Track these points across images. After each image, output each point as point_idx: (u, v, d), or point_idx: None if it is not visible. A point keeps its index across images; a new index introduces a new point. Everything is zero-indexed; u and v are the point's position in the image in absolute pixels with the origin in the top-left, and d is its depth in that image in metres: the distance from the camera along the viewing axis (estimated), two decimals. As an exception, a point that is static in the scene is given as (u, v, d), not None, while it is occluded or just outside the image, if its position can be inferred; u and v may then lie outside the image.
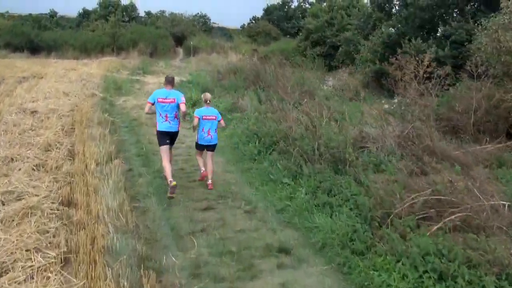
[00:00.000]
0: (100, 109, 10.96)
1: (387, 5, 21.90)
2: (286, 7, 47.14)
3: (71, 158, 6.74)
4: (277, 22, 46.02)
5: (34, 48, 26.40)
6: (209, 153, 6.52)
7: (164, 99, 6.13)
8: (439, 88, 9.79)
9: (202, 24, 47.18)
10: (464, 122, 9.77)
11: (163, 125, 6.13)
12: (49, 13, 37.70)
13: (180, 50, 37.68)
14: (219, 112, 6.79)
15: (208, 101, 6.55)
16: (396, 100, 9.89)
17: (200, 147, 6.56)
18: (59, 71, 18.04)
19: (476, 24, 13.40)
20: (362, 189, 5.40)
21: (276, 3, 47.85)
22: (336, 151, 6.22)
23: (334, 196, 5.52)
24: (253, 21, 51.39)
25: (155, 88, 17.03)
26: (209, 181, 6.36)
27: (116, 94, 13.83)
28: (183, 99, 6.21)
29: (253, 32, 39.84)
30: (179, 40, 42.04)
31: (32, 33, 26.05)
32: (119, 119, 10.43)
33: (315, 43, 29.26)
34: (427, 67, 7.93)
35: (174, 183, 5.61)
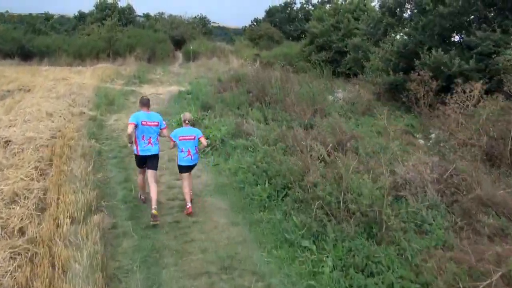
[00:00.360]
0: (87, 133, 9.73)
1: (398, 9, 20.73)
2: (289, 9, 45.86)
3: (41, 213, 5.49)
4: (279, 24, 44.76)
5: (26, 54, 25.15)
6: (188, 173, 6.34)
7: (147, 121, 6.09)
8: (464, 107, 8.57)
9: (202, 26, 45.90)
10: (500, 149, 8.52)
11: (145, 149, 6.11)
12: (44, 16, 36.43)
13: (180, 55, 36.44)
14: (200, 130, 6.62)
15: (187, 121, 6.36)
16: (433, 135, 8.55)
17: (182, 169, 6.29)
18: (48, 82, 16.80)
19: (504, 34, 12.22)
20: (410, 270, 4.16)
21: (278, 5, 46.61)
22: (370, 210, 4.97)
23: (373, 276, 4.28)
24: (255, 23, 50.15)
25: (151, 100, 15.85)
26: (188, 205, 6.12)
27: (107, 111, 12.58)
28: (164, 123, 6.38)
29: (254, 35, 38.58)
30: (179, 44, 40.81)
31: (24, 39, 24.80)
32: (107, 146, 9.19)
33: (320, 48, 28.01)
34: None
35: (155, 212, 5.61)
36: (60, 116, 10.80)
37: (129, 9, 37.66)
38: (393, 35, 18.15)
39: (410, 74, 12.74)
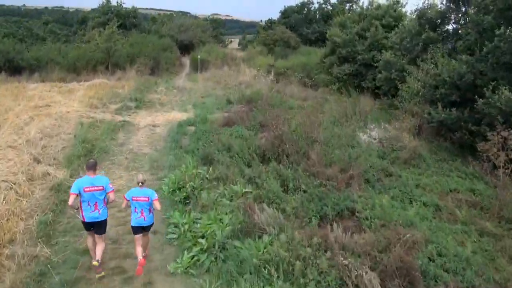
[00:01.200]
0: (36, 225, 7.01)
1: (439, 20, 17.49)
2: (305, 9, 42.52)
3: None
4: (295, 26, 41.51)
5: (15, 68, 22.70)
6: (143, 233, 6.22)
7: (91, 187, 5.86)
8: None
9: (214, 29, 42.92)
10: None
11: (91, 216, 5.90)
12: (43, 21, 33.99)
13: (187, 62, 33.60)
14: (154, 192, 6.27)
15: (140, 183, 6.15)
16: None
17: (135, 230, 6.13)
18: (25, 114, 14.20)
19: None
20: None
21: (294, 5, 43.29)
22: None
23: None
24: (269, 25, 46.99)
25: (142, 142, 13.08)
26: (140, 257, 5.92)
27: (82, 167, 9.84)
28: (111, 186, 6.08)
29: (268, 40, 35.47)
30: (187, 48, 38.06)
31: (13, 51, 22.33)
32: (60, 252, 6.44)
33: (343, 59, 24.82)
34: None
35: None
36: (11, 188, 8.10)
37: (134, 11, 34.93)
38: (437, 55, 14.98)
39: (479, 125, 9.63)
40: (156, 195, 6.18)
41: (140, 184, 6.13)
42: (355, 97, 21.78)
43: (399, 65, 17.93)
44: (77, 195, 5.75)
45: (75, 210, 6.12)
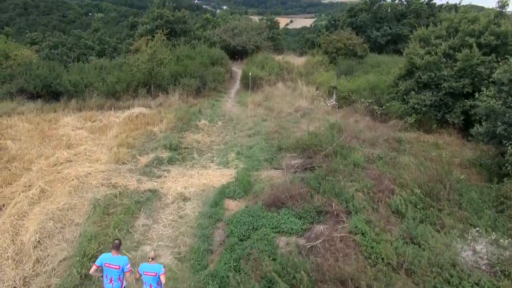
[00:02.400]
0: None
1: None
2: (375, 7, 37.20)
3: None
4: (363, 28, 36.59)
5: (54, 93, 21.30)
6: None
7: (110, 264, 6.86)
8: None
9: (270, 29, 39.21)
10: None
11: (107, 287, 6.90)
12: (94, 28, 32.66)
13: (238, 75, 30.57)
14: (162, 266, 7.04)
15: (151, 259, 7.01)
16: None
17: None
18: (42, 174, 12.35)
19: None
20: None
21: (362, 2, 38.07)
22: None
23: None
24: (332, 22, 42.29)
25: (164, 236, 10.39)
26: None
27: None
28: (128, 266, 6.94)
29: (331, 47, 31.20)
30: (240, 54, 35.05)
31: (50, 76, 20.88)
32: None
33: (424, 85, 20.32)
34: None
35: None
36: None
37: (184, 16, 32.40)
38: None
39: None
40: (164, 269, 7.01)
41: (150, 259, 7.05)
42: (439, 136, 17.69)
43: (508, 117, 13.47)
44: (99, 267, 6.88)
45: (99, 276, 7.15)
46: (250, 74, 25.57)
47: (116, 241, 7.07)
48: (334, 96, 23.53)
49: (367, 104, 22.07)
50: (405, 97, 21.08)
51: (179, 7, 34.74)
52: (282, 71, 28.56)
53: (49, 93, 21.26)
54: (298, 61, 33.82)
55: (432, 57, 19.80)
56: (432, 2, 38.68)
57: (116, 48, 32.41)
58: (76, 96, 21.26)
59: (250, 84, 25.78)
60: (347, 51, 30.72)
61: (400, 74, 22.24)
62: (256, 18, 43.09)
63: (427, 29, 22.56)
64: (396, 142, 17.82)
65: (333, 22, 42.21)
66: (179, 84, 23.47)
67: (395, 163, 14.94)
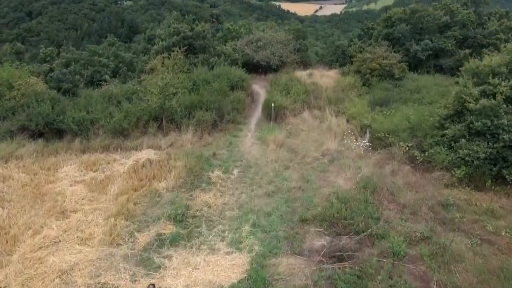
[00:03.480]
0: None
1: None
2: (415, 17, 33.40)
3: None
4: (401, 40, 33.05)
5: (56, 130, 19.62)
6: None
7: None
8: None
9: (297, 39, 36.17)
10: None
11: None
12: (109, 42, 30.77)
13: (260, 99, 27.98)
14: None
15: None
16: None
17: None
18: (28, 258, 10.56)
19: None
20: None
21: (400, 10, 34.33)
22: None
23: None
24: (365, 30, 38.74)
25: None
26: None
27: None
28: None
29: (364, 68, 28.08)
30: (264, 69, 32.46)
31: (52, 113, 19.16)
32: None
33: (477, 132, 17.21)
34: None
35: None
36: None
37: (204, 31, 30.00)
38: None
39: None
40: None
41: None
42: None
43: None
44: None
45: None
46: (272, 105, 23.00)
47: None
48: (367, 135, 20.69)
49: (407, 148, 19.14)
50: (453, 144, 18.03)
51: (199, 18, 32.37)
52: (309, 97, 25.76)
53: (52, 131, 19.55)
54: (327, 79, 30.87)
55: (489, 101, 16.66)
56: (479, 9, 34.54)
57: (132, 63, 30.55)
58: (81, 134, 19.44)
59: (272, 116, 23.24)
60: (383, 72, 27.52)
61: (447, 114, 19.11)
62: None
63: (481, 60, 19.25)
64: (442, 209, 15.05)
65: (366, 30, 38.65)
66: (194, 117, 21.22)
67: (444, 251, 12.26)
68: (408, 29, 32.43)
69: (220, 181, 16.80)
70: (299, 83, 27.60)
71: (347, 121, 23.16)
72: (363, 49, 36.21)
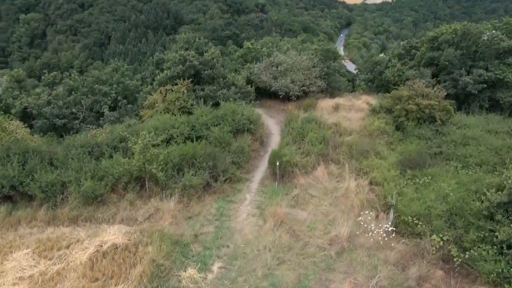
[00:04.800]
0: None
1: None
2: (470, 39, 27.77)
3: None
4: (448, 68, 27.69)
5: (24, 194, 17.27)
6: None
7: None
8: None
9: (325, 60, 31.64)
10: None
11: None
12: (113, 67, 28.19)
13: (270, 142, 24.18)
14: None
15: None
16: None
17: None
18: None
19: None
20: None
21: (448, 31, 28.75)
22: None
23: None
24: (408, 48, 33.43)
25: None
26: None
27: None
28: None
29: (399, 108, 23.35)
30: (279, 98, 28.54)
31: (19, 175, 16.80)
32: None
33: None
34: None
35: None
36: None
37: (213, 59, 26.51)
38: None
39: None
40: None
41: None
42: None
43: None
44: None
45: None
46: (277, 164, 19.20)
47: None
48: (391, 217, 16.41)
49: (441, 243, 14.74)
50: (505, 248, 13.46)
51: (244, 9, 28.85)
52: (327, 146, 21.65)
53: (20, 194, 17.21)
54: (355, 115, 26.43)
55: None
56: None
57: (137, 90, 27.88)
58: (48, 201, 16.93)
59: (278, 175, 19.47)
60: (421, 114, 22.73)
61: (501, 200, 14.44)
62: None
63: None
64: None
65: (408, 48, 33.32)
66: (181, 179, 18.04)
67: None
68: (457, 55, 27.00)
69: (191, 285, 13.50)
70: (317, 125, 23.46)
71: (370, 183, 18.92)
72: (402, 73, 31.20)
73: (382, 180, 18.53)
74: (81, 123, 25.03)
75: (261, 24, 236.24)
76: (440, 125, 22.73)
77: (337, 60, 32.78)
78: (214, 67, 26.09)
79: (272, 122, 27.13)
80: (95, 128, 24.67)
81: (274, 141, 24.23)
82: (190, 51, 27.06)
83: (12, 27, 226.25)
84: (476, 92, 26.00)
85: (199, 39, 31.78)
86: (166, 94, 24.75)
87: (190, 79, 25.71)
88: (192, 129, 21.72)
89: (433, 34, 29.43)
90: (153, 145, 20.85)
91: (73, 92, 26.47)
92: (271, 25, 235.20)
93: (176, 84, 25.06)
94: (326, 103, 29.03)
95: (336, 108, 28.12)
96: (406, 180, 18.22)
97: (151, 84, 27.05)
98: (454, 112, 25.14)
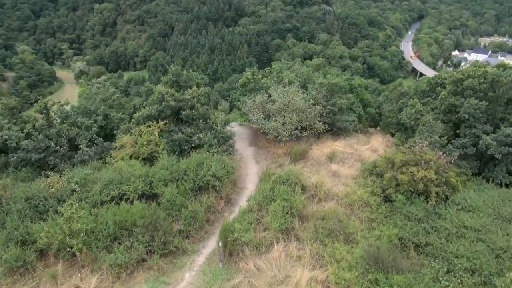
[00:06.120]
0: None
1: None
2: (500, 88, 22.82)
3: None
4: (470, 121, 23.05)
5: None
6: None
7: None
8: None
9: (331, 95, 28.01)
10: None
11: None
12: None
13: (242, 196, 21.77)
14: None
15: None
16: None
17: None
18: None
19: None
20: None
21: (478, 71, 23.87)
22: None
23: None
24: (434, 84, 28.84)
25: None
26: None
27: None
28: None
29: (389, 176, 19.70)
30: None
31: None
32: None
33: None
34: None
35: None
36: None
37: (193, 98, 24.28)
38: None
39: None
40: None
41: None
42: None
43: None
44: None
45: None
46: (220, 244, 16.88)
47: None
48: None
49: None
50: None
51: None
52: (293, 220, 18.84)
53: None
54: (347, 170, 23.07)
55: None
56: None
57: (123, 123, 26.74)
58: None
59: (221, 257, 17.14)
60: (415, 187, 18.98)
61: None
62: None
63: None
64: None
65: (434, 85, 28.57)
66: (113, 252, 16.51)
67: None
68: (482, 107, 22.31)
69: None
70: (292, 188, 20.59)
71: (324, 282, 15.95)
72: (421, 115, 26.84)
73: (339, 280, 15.50)
74: (56, 159, 24.58)
75: (323, 17, 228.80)
76: (437, 203, 18.82)
77: (347, 95, 28.99)
78: (194, 108, 24.07)
79: (254, 171, 24.59)
80: (66, 166, 24.07)
81: (247, 197, 21.78)
82: (173, 86, 25.37)
83: (87, 15, 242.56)
84: (500, 157, 21.29)
85: (193, 71, 29.86)
86: (137, 138, 23.37)
87: (166, 120, 24.04)
88: (150, 185, 20.07)
89: (458, 75, 24.70)
90: (102, 202, 19.67)
91: (57, 124, 26.12)
92: (333, 19, 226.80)
93: (149, 126, 23.55)
94: (320, 150, 25.76)
95: (331, 158, 24.80)
96: (365, 286, 15.03)
97: (129, 121, 25.79)
98: (468, 182, 20.93)
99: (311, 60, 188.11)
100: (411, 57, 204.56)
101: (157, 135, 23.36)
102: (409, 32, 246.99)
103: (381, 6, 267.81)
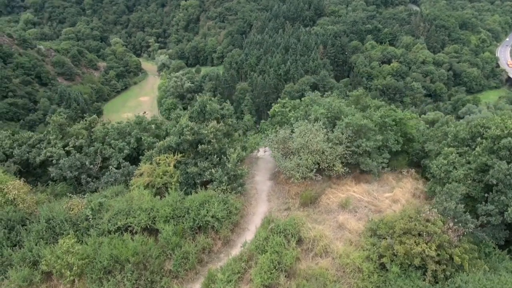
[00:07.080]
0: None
1: None
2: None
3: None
4: (499, 186, 20.63)
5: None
6: None
7: None
8: None
9: (356, 137, 26.85)
10: None
11: None
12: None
13: (245, 230, 22.06)
14: None
15: None
16: None
17: None
18: None
19: None
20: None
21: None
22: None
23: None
24: (476, 134, 26.14)
25: None
26: None
27: None
28: None
29: (384, 244, 18.65)
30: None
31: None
32: None
33: None
34: None
35: None
36: None
37: (210, 133, 24.89)
38: None
39: None
40: None
41: None
42: None
43: None
44: None
45: None
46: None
47: None
48: None
49: None
50: None
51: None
52: (279, 277, 18.76)
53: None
54: (356, 223, 22.13)
55: None
56: None
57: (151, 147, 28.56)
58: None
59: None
60: (411, 261, 17.71)
61: None
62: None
63: None
64: None
65: (476, 134, 25.70)
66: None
67: None
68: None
69: None
70: (287, 240, 20.41)
71: None
72: (455, 168, 24.57)
73: None
74: (88, 178, 27.22)
75: (408, 19, 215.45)
76: (434, 283, 17.36)
77: (376, 137, 27.31)
78: (210, 143, 24.84)
79: (263, 210, 24.67)
80: (95, 184, 26.62)
81: (248, 238, 22.00)
82: (199, 117, 26.57)
83: (173, 11, 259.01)
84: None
85: (218, 100, 30.50)
86: (155, 167, 24.94)
87: (185, 152, 25.29)
88: (153, 219, 21.43)
89: (496, 132, 21.99)
90: (109, 231, 21.47)
91: (95, 143, 28.83)
92: (419, 20, 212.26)
93: (167, 157, 24.94)
94: (335, 195, 24.88)
95: (344, 206, 23.87)
96: None
97: (153, 148, 27.42)
98: (479, 260, 18.93)
99: (389, 65, 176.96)
100: (508, 64, 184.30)
101: (172, 166, 24.69)
102: (509, 37, 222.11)
103: (477, 7, 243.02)
